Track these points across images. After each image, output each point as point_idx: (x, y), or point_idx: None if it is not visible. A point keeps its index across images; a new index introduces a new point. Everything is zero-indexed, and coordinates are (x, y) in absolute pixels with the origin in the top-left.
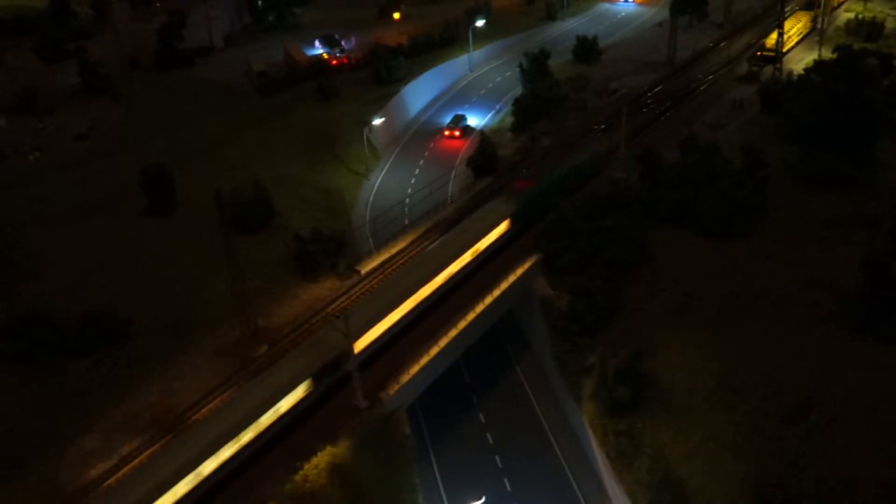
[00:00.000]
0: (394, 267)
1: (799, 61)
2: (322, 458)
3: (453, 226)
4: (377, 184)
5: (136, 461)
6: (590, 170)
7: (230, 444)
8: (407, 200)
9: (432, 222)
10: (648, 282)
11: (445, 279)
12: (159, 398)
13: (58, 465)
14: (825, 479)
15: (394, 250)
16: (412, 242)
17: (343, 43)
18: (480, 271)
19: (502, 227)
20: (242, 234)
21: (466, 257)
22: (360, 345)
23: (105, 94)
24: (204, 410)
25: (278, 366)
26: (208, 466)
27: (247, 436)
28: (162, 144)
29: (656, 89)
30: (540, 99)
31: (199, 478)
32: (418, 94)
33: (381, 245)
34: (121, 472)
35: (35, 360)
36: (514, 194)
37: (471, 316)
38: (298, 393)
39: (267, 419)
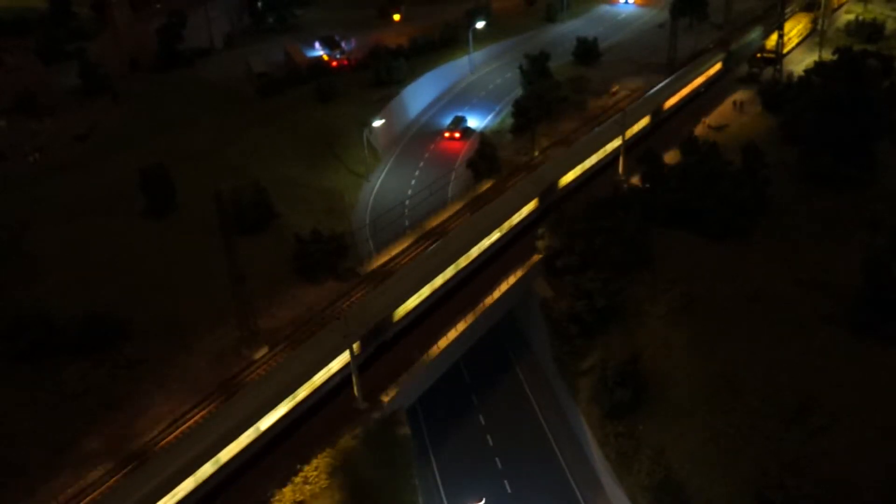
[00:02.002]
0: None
1: (799, 63)
2: (322, 460)
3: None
4: (377, 185)
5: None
6: (757, 43)
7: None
8: (407, 202)
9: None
10: (649, 283)
11: (686, 94)
12: (158, 401)
13: (58, 467)
14: (825, 481)
15: (394, 251)
16: (412, 243)
17: (343, 44)
18: (707, 91)
19: (717, 66)
20: (242, 235)
21: (699, 80)
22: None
23: (105, 94)
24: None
25: None
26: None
27: None
28: (162, 145)
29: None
30: (540, 100)
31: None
32: (418, 95)
33: (381, 246)
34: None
35: (34, 361)
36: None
37: (471, 317)
38: None
39: None
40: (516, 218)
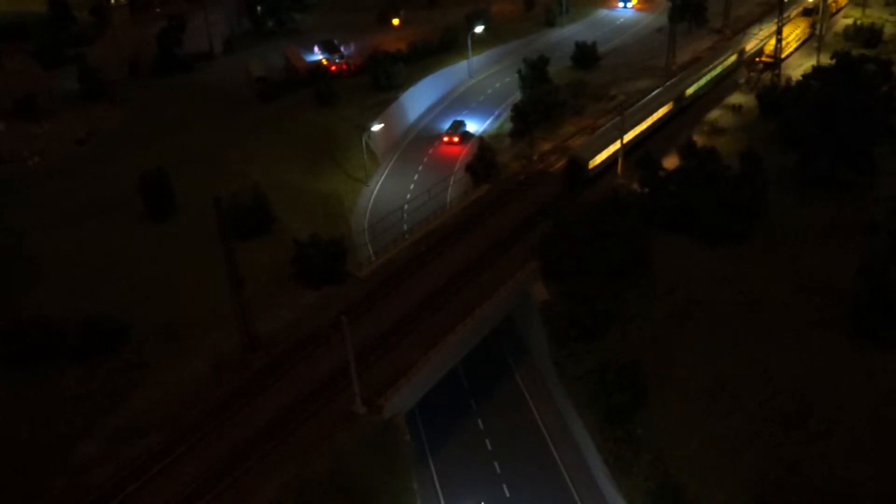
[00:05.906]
0: None
1: (797, 67)
2: (320, 464)
3: None
4: (376, 189)
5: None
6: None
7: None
8: (406, 206)
9: None
10: (647, 287)
11: (756, 43)
12: (158, 404)
13: (55, 471)
14: (824, 485)
15: (392, 254)
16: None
17: (342, 48)
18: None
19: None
20: (241, 239)
21: (766, 32)
22: None
23: (104, 99)
24: None
25: None
26: None
27: None
28: (161, 150)
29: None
30: (539, 105)
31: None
32: (417, 99)
33: (379, 250)
34: None
35: (34, 365)
36: None
37: (470, 322)
38: None
39: None
40: (727, 61)
